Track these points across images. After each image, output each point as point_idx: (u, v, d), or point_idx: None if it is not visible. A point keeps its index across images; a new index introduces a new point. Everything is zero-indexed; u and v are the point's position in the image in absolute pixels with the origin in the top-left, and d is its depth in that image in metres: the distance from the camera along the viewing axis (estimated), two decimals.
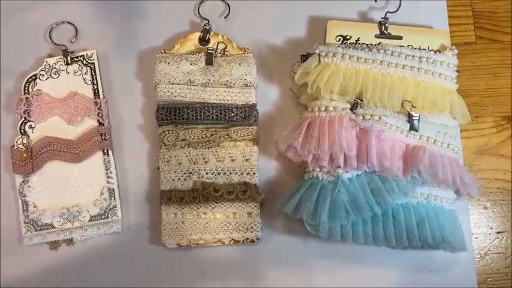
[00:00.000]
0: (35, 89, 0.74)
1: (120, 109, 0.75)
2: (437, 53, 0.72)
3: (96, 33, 0.77)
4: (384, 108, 0.69)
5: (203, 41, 0.74)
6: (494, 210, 0.75)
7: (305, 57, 0.73)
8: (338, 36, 0.74)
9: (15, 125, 0.73)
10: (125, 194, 0.73)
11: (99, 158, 0.73)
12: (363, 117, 0.68)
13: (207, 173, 0.71)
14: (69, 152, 0.72)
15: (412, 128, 0.69)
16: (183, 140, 0.71)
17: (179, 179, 0.71)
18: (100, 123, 0.73)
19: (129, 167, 0.74)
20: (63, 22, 0.76)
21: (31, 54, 0.76)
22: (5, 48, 0.76)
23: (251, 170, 0.71)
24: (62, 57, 0.74)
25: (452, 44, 0.74)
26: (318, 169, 0.68)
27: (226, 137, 0.72)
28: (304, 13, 0.77)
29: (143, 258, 0.72)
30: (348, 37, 0.74)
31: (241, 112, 0.71)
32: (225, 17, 0.77)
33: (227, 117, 0.71)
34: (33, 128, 0.73)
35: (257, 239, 0.70)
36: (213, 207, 0.70)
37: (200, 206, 0.70)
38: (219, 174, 0.71)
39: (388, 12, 0.74)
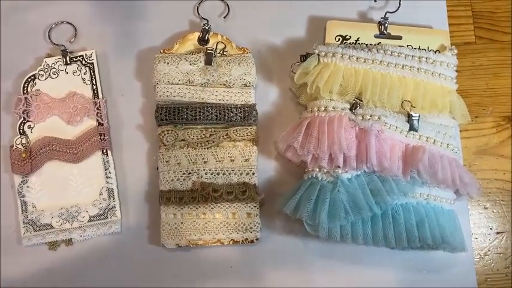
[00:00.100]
0: (34, 89, 0.74)
1: (119, 109, 0.75)
2: (437, 53, 0.72)
3: (95, 33, 0.76)
4: (384, 108, 0.69)
5: (202, 41, 0.74)
6: (494, 211, 0.75)
7: (304, 57, 0.73)
8: (337, 36, 0.74)
9: (14, 125, 0.73)
10: (124, 194, 0.73)
11: (98, 158, 0.73)
12: (363, 117, 0.68)
13: (206, 173, 0.71)
14: (68, 152, 0.72)
15: (412, 128, 0.69)
16: (182, 140, 0.71)
17: (178, 179, 0.70)
18: (99, 123, 0.73)
19: (128, 167, 0.73)
20: (62, 22, 0.76)
21: (30, 54, 0.76)
22: (4, 48, 0.76)
23: (250, 170, 0.71)
24: (61, 57, 0.74)
25: (452, 44, 0.74)
26: (318, 169, 0.68)
27: (225, 137, 0.71)
28: (304, 13, 0.77)
29: (142, 259, 0.72)
30: (348, 37, 0.74)
31: (240, 112, 0.71)
32: (224, 17, 0.76)
33: (226, 117, 0.71)
34: (32, 128, 0.73)
35: (256, 239, 0.70)
36: (212, 208, 0.70)
37: (199, 207, 0.70)
38: (218, 174, 0.71)
39: (387, 12, 0.74)
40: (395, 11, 0.74)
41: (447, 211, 0.69)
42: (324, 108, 0.69)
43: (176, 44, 0.74)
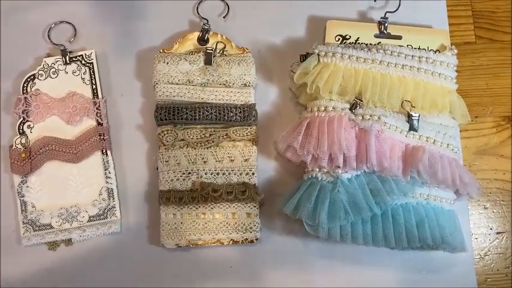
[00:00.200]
0: (33, 89, 0.74)
1: (119, 109, 0.75)
2: (437, 52, 0.72)
3: (94, 32, 0.76)
4: (384, 108, 0.69)
5: (202, 40, 0.74)
6: (494, 211, 0.75)
7: (304, 57, 0.73)
8: (337, 36, 0.74)
9: (14, 125, 0.73)
10: (123, 194, 0.73)
11: (97, 158, 0.73)
12: (362, 117, 0.68)
13: (206, 173, 0.71)
14: (67, 152, 0.72)
15: (412, 128, 0.68)
16: (182, 140, 0.71)
17: (178, 179, 0.70)
18: (99, 123, 0.73)
19: (128, 167, 0.73)
20: (61, 22, 0.76)
21: (30, 53, 0.76)
22: (4, 47, 0.76)
23: (250, 170, 0.71)
24: (61, 57, 0.74)
25: (452, 44, 0.74)
26: (317, 169, 0.68)
27: (225, 137, 0.71)
28: (304, 13, 0.77)
29: (142, 259, 0.71)
30: (348, 37, 0.74)
31: (240, 112, 0.71)
32: (224, 17, 0.76)
33: (226, 117, 0.71)
34: (31, 128, 0.73)
35: (256, 239, 0.70)
36: (212, 208, 0.70)
37: (199, 207, 0.70)
38: (218, 174, 0.71)
39: (387, 12, 0.74)
40: (395, 10, 0.74)
41: (447, 211, 0.69)
42: (323, 108, 0.69)
43: (176, 43, 0.74)
